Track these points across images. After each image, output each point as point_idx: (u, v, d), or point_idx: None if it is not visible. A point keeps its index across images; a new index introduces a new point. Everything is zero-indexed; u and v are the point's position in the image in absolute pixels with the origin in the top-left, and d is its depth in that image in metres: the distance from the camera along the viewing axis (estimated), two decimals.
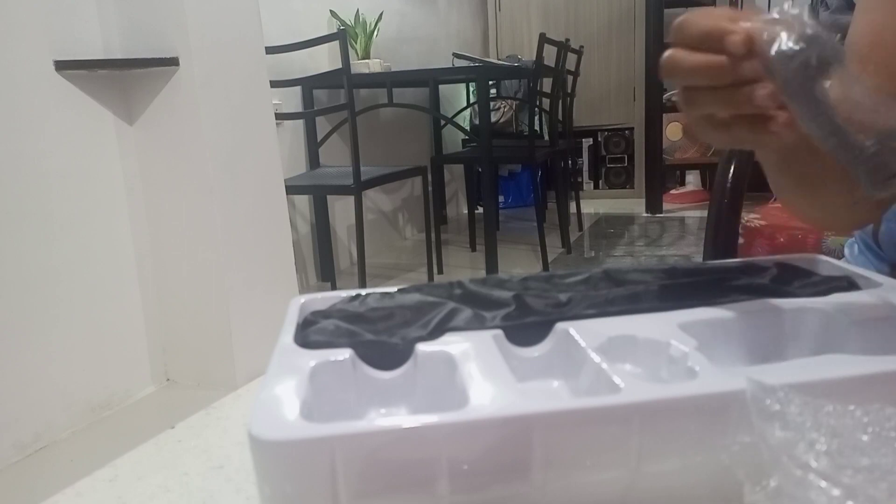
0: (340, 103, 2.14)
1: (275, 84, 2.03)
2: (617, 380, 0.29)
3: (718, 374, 0.30)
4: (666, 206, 3.80)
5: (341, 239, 2.91)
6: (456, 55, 3.12)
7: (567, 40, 2.99)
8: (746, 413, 0.26)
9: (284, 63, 2.35)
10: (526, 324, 0.36)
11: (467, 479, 0.27)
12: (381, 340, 0.35)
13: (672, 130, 3.72)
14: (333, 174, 2.36)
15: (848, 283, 0.40)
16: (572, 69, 3.21)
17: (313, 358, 0.33)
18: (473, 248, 3.14)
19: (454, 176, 3.91)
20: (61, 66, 1.56)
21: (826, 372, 0.29)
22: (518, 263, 2.88)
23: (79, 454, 1.49)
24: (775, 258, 0.44)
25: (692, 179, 4.10)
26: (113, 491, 0.37)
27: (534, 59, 2.69)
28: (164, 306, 1.79)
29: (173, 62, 1.61)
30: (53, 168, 1.56)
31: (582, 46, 3.43)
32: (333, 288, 2.59)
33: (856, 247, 0.64)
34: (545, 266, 2.72)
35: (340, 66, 2.04)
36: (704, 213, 0.79)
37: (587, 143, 4.17)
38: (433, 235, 2.56)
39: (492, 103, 3.56)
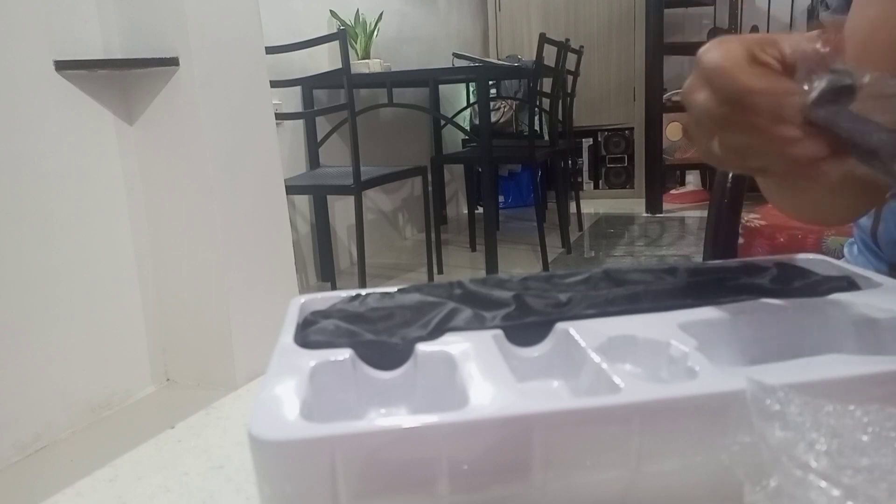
0: (340, 103, 2.14)
1: (275, 84, 2.03)
2: (617, 380, 0.29)
3: (718, 374, 0.30)
4: (666, 206, 3.80)
5: (341, 239, 2.91)
6: (456, 55, 3.12)
7: (567, 40, 2.99)
8: (746, 413, 0.26)
9: (284, 63, 2.35)
10: (526, 324, 0.36)
11: (467, 479, 0.27)
12: (381, 340, 0.35)
13: (672, 130, 3.72)
14: (333, 174, 2.36)
15: (848, 283, 0.40)
16: (572, 69, 3.21)
17: (313, 358, 0.33)
18: (473, 248, 3.14)
19: (454, 176, 3.91)
20: (61, 66, 1.56)
21: (826, 372, 0.29)
22: (518, 263, 2.88)
23: (79, 454, 1.49)
24: (775, 258, 0.44)
25: (692, 179, 4.10)
26: (113, 491, 0.37)
27: (534, 59, 2.69)
28: (164, 306, 1.79)
29: (173, 62, 1.61)
30: (53, 168, 1.56)
31: (582, 46, 3.43)
32: (333, 288, 2.59)
33: (855, 247, 0.64)
34: (545, 266, 2.72)
35: (340, 66, 2.04)
36: (704, 213, 0.79)
37: (587, 143, 4.17)
38: (433, 235, 2.56)
39: (492, 103, 3.56)
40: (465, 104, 3.70)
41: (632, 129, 4.06)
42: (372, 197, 3.13)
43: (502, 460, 0.27)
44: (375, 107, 2.60)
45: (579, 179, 4.17)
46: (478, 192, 3.56)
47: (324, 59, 2.68)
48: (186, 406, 1.65)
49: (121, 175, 1.72)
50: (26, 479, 1.40)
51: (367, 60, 2.71)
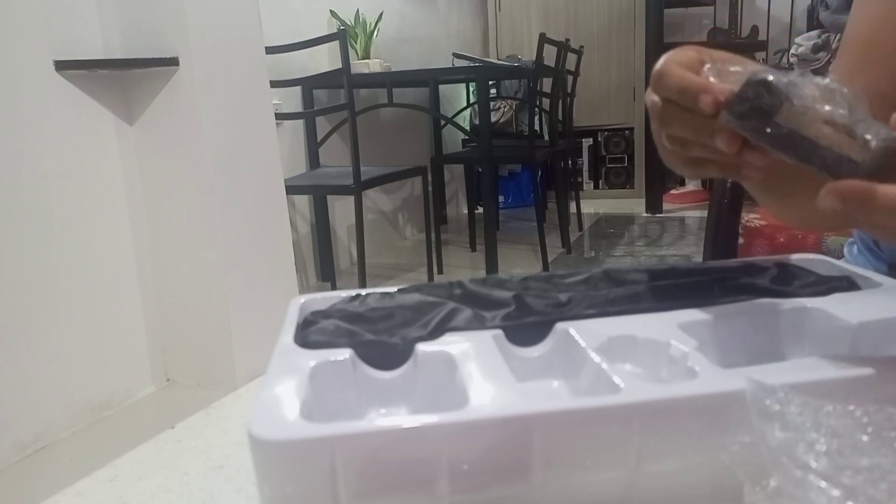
0: (340, 103, 2.14)
1: (275, 84, 2.03)
2: (617, 380, 0.29)
3: (718, 374, 0.30)
4: (666, 206, 3.80)
5: (341, 239, 2.91)
6: (456, 55, 3.12)
7: (567, 40, 2.99)
8: (746, 413, 0.26)
9: (284, 63, 2.35)
10: (526, 324, 0.36)
11: (467, 479, 0.27)
12: (381, 340, 0.35)
13: None
14: (333, 174, 2.36)
15: (848, 283, 0.40)
16: (572, 69, 3.21)
17: (313, 358, 0.33)
18: (473, 248, 3.14)
19: (454, 176, 3.91)
20: (61, 66, 1.56)
21: (826, 372, 0.29)
22: (518, 263, 2.88)
23: (79, 454, 1.49)
24: (775, 258, 0.44)
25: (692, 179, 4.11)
26: (113, 491, 0.37)
27: (534, 59, 2.69)
28: (164, 306, 1.79)
29: (173, 62, 1.61)
30: (53, 168, 1.56)
31: (582, 46, 3.43)
32: (333, 288, 2.59)
33: (855, 247, 0.64)
34: (545, 266, 2.72)
35: (340, 66, 2.04)
36: (704, 213, 0.79)
37: (587, 143, 4.17)
38: (433, 235, 2.56)
39: (492, 103, 3.56)
40: (465, 104, 3.70)
41: (632, 128, 4.06)
42: (372, 197, 3.13)
43: (502, 460, 0.27)
44: (375, 107, 2.60)
45: (579, 179, 4.17)
46: (478, 192, 3.56)
47: (324, 59, 2.68)
48: (186, 406, 1.65)
49: (121, 175, 1.72)
50: (26, 479, 1.40)
51: (367, 60, 2.71)
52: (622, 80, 4.03)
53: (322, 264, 2.72)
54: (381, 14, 2.96)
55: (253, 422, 0.26)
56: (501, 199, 3.96)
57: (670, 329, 0.35)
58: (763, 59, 3.62)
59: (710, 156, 0.34)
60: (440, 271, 2.70)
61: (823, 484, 0.25)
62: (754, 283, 0.39)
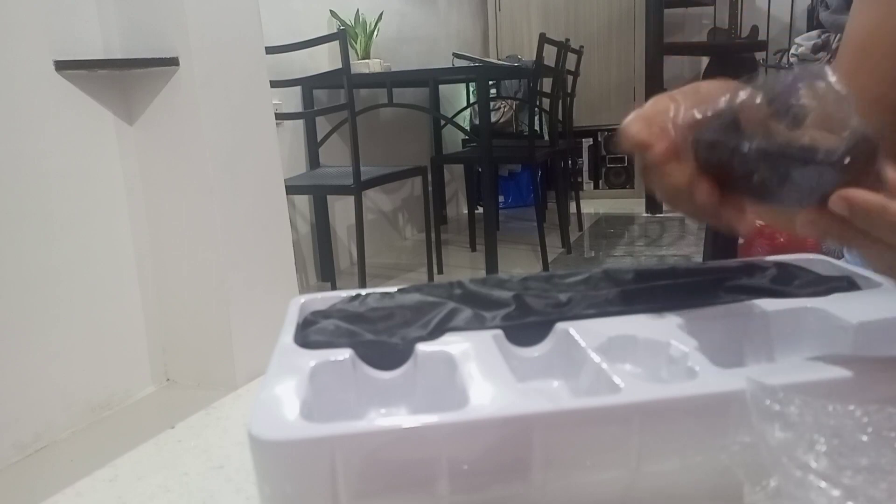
0: (340, 103, 2.14)
1: (275, 84, 2.03)
2: (617, 380, 0.29)
3: (718, 374, 0.30)
4: (666, 206, 3.80)
5: (341, 239, 2.91)
6: (456, 55, 3.12)
7: (567, 40, 2.99)
8: (746, 413, 0.26)
9: (284, 63, 2.35)
10: (526, 324, 0.36)
11: (467, 479, 0.27)
12: (381, 340, 0.35)
13: None
14: (333, 174, 2.36)
15: (848, 283, 0.40)
16: (572, 69, 3.21)
17: (313, 358, 0.33)
18: (473, 248, 3.14)
19: (454, 176, 3.91)
20: (61, 66, 1.56)
21: (826, 372, 0.29)
22: (518, 263, 2.88)
23: (79, 454, 1.49)
24: (775, 258, 0.44)
25: None
26: (113, 491, 0.37)
27: (534, 59, 2.69)
28: (164, 306, 1.79)
29: (173, 62, 1.61)
30: (53, 168, 1.56)
31: (582, 46, 3.43)
32: (333, 288, 2.59)
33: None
34: (545, 266, 2.72)
35: (340, 66, 2.04)
36: None
37: (587, 143, 4.17)
38: (433, 235, 2.56)
39: (492, 103, 3.56)
40: (465, 104, 3.70)
41: None
42: (372, 197, 3.13)
43: (502, 460, 0.27)
44: (375, 107, 2.60)
45: (579, 179, 4.17)
46: (478, 192, 3.56)
47: (324, 59, 2.68)
48: (186, 406, 1.65)
49: (121, 175, 1.72)
50: (26, 479, 1.40)
51: (367, 60, 2.71)
52: (622, 80, 4.03)
53: (322, 264, 2.72)
54: (381, 14, 2.96)
55: (253, 422, 0.26)
56: (501, 199, 3.96)
57: (670, 329, 0.35)
58: (763, 59, 3.62)
59: (691, 210, 0.32)
60: (440, 271, 2.70)
61: (823, 484, 0.25)
62: (754, 284, 0.39)
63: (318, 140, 2.60)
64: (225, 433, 0.42)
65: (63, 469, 1.42)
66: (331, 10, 2.77)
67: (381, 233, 3.24)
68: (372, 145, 3.07)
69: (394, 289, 0.41)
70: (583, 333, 0.35)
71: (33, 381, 1.52)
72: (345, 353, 0.33)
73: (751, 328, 0.37)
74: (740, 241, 1.64)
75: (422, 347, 0.34)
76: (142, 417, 1.65)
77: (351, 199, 2.16)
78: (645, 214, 3.75)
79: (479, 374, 0.30)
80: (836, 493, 0.25)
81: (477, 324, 0.36)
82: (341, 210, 2.87)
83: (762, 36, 3.69)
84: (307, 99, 2.59)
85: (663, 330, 0.34)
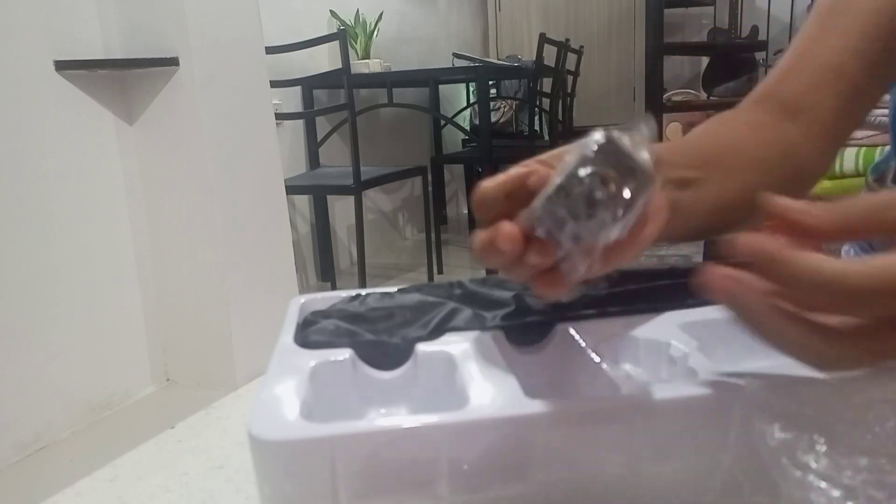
0: (340, 103, 2.14)
1: (275, 84, 2.03)
2: (617, 380, 0.29)
3: (718, 375, 0.30)
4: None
5: (341, 239, 2.91)
6: (456, 55, 3.12)
7: (567, 40, 2.99)
8: (746, 413, 0.26)
9: (284, 63, 2.35)
10: (526, 324, 0.36)
11: (467, 480, 0.27)
12: (381, 340, 0.35)
13: (672, 131, 3.72)
14: (333, 174, 2.36)
15: None
16: (572, 69, 3.21)
17: (313, 358, 0.33)
18: None
19: (454, 176, 3.91)
20: (61, 66, 1.56)
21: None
22: None
23: (79, 454, 1.49)
24: None
25: None
26: (113, 491, 0.37)
27: (534, 59, 2.69)
28: (164, 306, 1.79)
29: (173, 62, 1.61)
30: (53, 168, 1.56)
31: (582, 46, 3.43)
32: (333, 288, 2.59)
33: (852, 251, 0.64)
34: None
35: (340, 66, 2.04)
36: None
37: None
38: (433, 235, 2.56)
39: (492, 103, 3.56)
40: (465, 104, 3.70)
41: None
42: (372, 197, 3.13)
43: (502, 460, 0.27)
44: (375, 107, 2.60)
45: None
46: None
47: (324, 59, 2.68)
48: (186, 406, 1.64)
49: (121, 175, 1.72)
50: (26, 479, 1.40)
51: (367, 60, 2.71)
52: (622, 80, 4.03)
53: (322, 264, 2.72)
54: (381, 14, 2.96)
55: (253, 422, 0.26)
56: None
57: (670, 329, 0.35)
58: (763, 59, 3.62)
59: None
60: (440, 271, 2.70)
61: (823, 484, 0.25)
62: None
63: (318, 140, 2.60)
64: (225, 433, 0.42)
65: (63, 469, 1.42)
66: (331, 10, 2.77)
67: (381, 233, 3.24)
68: (372, 145, 3.07)
69: (394, 289, 0.41)
70: (583, 333, 0.35)
71: (33, 381, 1.52)
72: (345, 353, 0.33)
73: None
74: None
75: (422, 347, 0.34)
76: (142, 417, 1.65)
77: (351, 199, 2.16)
78: None
79: (479, 375, 0.30)
80: (836, 493, 0.25)
81: (477, 324, 0.36)
82: (341, 210, 2.87)
83: (762, 36, 3.69)
84: (307, 99, 2.59)
85: (663, 330, 0.34)
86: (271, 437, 0.25)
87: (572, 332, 0.35)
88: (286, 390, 0.29)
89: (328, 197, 2.66)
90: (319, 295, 0.40)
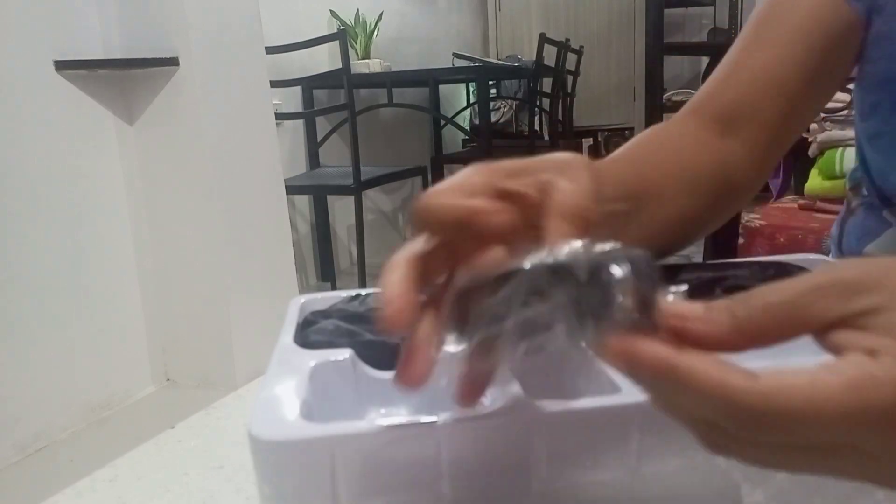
0: (340, 103, 2.14)
1: (275, 84, 2.03)
2: (617, 380, 0.29)
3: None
4: None
5: (341, 239, 2.91)
6: (456, 55, 3.12)
7: (567, 40, 2.99)
8: None
9: (284, 63, 2.34)
10: None
11: (468, 479, 0.27)
12: (381, 340, 0.35)
13: None
14: (333, 174, 2.36)
15: None
16: (572, 69, 3.21)
17: (313, 358, 0.33)
18: None
19: None
20: (61, 66, 1.56)
21: None
22: None
23: (79, 454, 1.49)
24: (775, 258, 0.44)
25: None
26: (113, 491, 0.37)
27: (534, 59, 2.69)
28: (165, 306, 1.79)
29: (173, 62, 1.61)
30: (53, 168, 1.56)
31: (582, 46, 3.43)
32: (333, 288, 2.59)
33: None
34: None
35: (340, 66, 2.04)
36: None
37: (587, 143, 4.17)
38: None
39: (492, 103, 3.56)
40: (465, 104, 3.70)
41: (632, 129, 4.05)
42: (372, 197, 3.13)
43: (503, 460, 0.27)
44: (375, 107, 2.60)
45: None
46: None
47: (324, 59, 2.68)
48: (186, 406, 1.64)
49: (121, 175, 1.72)
50: (26, 479, 1.40)
51: (367, 60, 2.71)
52: (622, 80, 4.03)
53: (322, 264, 2.72)
54: (381, 14, 2.96)
55: (253, 422, 0.26)
56: None
57: None
58: None
59: None
60: None
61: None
62: (753, 284, 0.39)
63: (318, 140, 2.60)
64: (225, 433, 0.42)
65: (63, 469, 1.42)
66: (331, 10, 2.77)
67: (381, 233, 3.24)
68: (372, 145, 3.07)
69: None
70: None
71: (33, 380, 1.52)
72: (345, 353, 0.33)
73: None
74: (740, 240, 1.65)
75: None
76: (142, 417, 1.65)
77: (351, 199, 2.16)
78: None
79: None
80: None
81: None
82: (341, 210, 2.87)
83: None
84: (307, 99, 2.59)
85: None
86: (271, 438, 0.25)
87: None
88: (286, 390, 0.29)
89: (328, 197, 2.66)
90: (319, 295, 0.40)
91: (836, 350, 0.20)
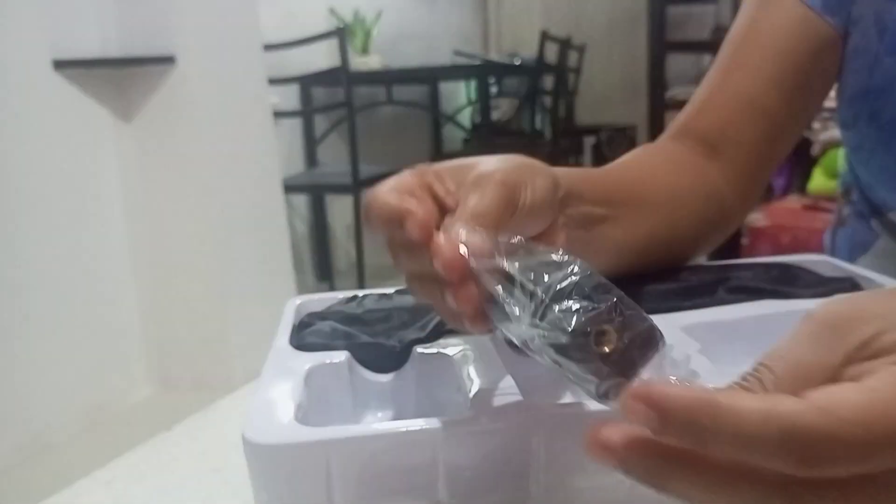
0: (339, 101, 2.14)
1: (273, 82, 2.03)
2: None
3: (720, 377, 0.29)
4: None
5: (339, 239, 2.90)
6: (456, 52, 3.12)
7: (569, 37, 2.99)
8: None
9: (282, 60, 2.34)
10: None
11: (465, 484, 0.26)
12: (378, 343, 0.34)
13: None
14: (331, 173, 2.36)
15: (851, 285, 0.39)
16: (574, 67, 3.21)
17: (309, 360, 0.32)
18: None
19: None
20: (59, 65, 1.56)
21: None
22: None
23: (76, 456, 1.49)
24: (778, 259, 0.44)
25: None
26: (110, 493, 0.36)
27: (535, 56, 2.68)
28: (161, 307, 1.79)
29: (170, 60, 1.61)
30: (51, 167, 1.56)
31: (584, 44, 3.43)
32: (332, 289, 2.59)
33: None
34: None
35: (339, 63, 2.03)
36: None
37: (589, 141, 4.16)
38: None
39: (493, 101, 3.56)
40: (465, 102, 3.69)
41: (634, 127, 4.05)
42: None
43: (501, 465, 0.26)
44: (374, 105, 2.60)
45: None
46: None
47: (322, 57, 2.67)
48: (183, 408, 1.63)
49: (117, 174, 1.72)
50: (23, 481, 1.40)
51: (366, 58, 2.71)
52: (625, 77, 4.02)
53: (320, 264, 2.72)
54: (381, 11, 2.96)
55: (247, 425, 0.26)
56: None
57: (672, 331, 0.34)
58: None
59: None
60: None
61: None
62: (757, 284, 0.39)
63: (317, 138, 2.60)
64: (222, 436, 0.41)
65: (60, 471, 1.42)
66: (329, 7, 2.77)
67: None
68: (371, 143, 3.06)
69: (392, 290, 0.41)
70: None
71: (30, 383, 1.52)
72: (341, 356, 0.33)
73: (754, 330, 0.36)
74: (745, 241, 1.65)
75: (419, 350, 0.34)
76: (139, 419, 1.65)
77: (349, 199, 2.16)
78: None
79: (478, 377, 0.30)
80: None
81: None
82: (339, 209, 2.86)
83: None
84: (305, 97, 2.59)
85: (664, 331, 0.34)
86: (266, 441, 0.25)
87: None
88: (281, 393, 0.29)
89: (326, 196, 2.65)
90: (316, 296, 0.40)
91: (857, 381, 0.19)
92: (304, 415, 0.28)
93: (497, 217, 0.26)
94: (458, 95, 3.79)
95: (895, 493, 0.17)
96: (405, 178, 0.28)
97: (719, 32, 3.94)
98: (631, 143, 4.10)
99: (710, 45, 4.04)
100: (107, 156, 1.69)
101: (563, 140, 3.12)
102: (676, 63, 3.83)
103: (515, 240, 0.24)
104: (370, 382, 0.34)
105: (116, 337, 1.72)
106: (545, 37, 2.63)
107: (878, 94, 0.47)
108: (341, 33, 2.02)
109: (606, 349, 0.20)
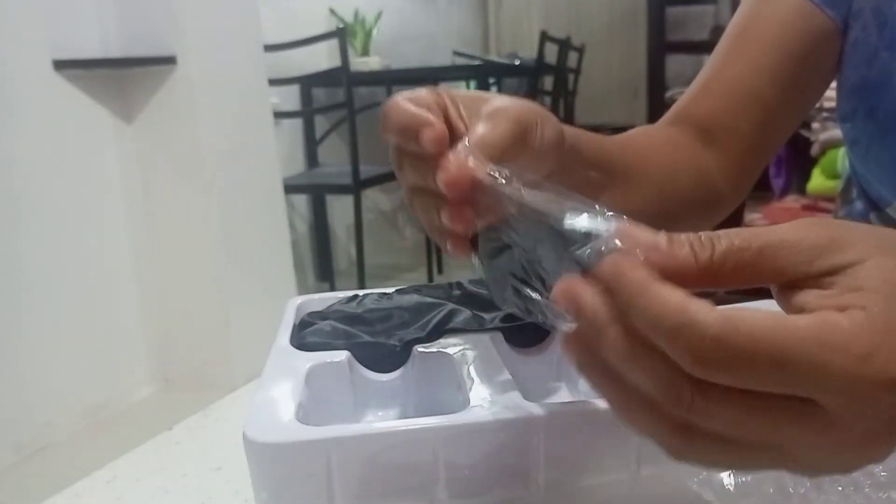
0: (339, 102, 2.14)
1: (273, 82, 2.03)
2: None
3: None
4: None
5: (340, 239, 2.90)
6: (456, 53, 3.12)
7: (568, 38, 2.99)
8: None
9: (283, 61, 2.34)
10: (525, 325, 0.36)
11: (466, 483, 0.26)
12: (379, 342, 0.34)
13: None
14: (332, 173, 2.36)
15: None
16: (574, 67, 3.21)
17: (309, 360, 0.32)
18: None
19: None
20: (60, 65, 1.56)
21: None
22: None
23: (77, 455, 1.49)
24: None
25: None
26: (111, 492, 0.36)
27: (535, 56, 2.68)
28: (162, 307, 1.79)
29: (171, 61, 1.61)
30: (51, 167, 1.56)
31: (583, 44, 3.43)
32: (332, 288, 2.59)
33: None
34: None
35: (339, 64, 2.03)
36: None
37: None
38: None
39: None
40: None
41: (634, 127, 4.05)
42: (371, 196, 3.13)
43: (501, 464, 0.26)
44: (375, 105, 2.60)
45: None
46: None
47: (323, 58, 2.67)
48: (184, 407, 1.63)
49: (118, 174, 1.72)
50: (25, 481, 1.40)
51: (366, 58, 2.71)
52: (624, 78, 4.02)
53: (320, 264, 2.72)
54: (381, 12, 2.96)
55: (248, 424, 0.26)
56: None
57: None
58: None
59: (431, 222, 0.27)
60: (440, 272, 2.70)
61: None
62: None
63: (317, 139, 2.60)
64: (223, 435, 0.42)
65: (61, 470, 1.42)
66: (330, 8, 2.77)
67: (380, 232, 3.24)
68: (371, 144, 3.06)
69: (392, 289, 0.41)
70: None
71: (31, 382, 1.52)
72: (341, 355, 0.33)
73: None
74: None
75: (420, 349, 0.34)
76: (140, 419, 1.65)
77: (350, 199, 2.16)
78: None
79: (478, 377, 0.30)
80: (834, 497, 0.25)
81: (476, 325, 0.35)
82: (340, 209, 2.86)
83: None
84: (306, 97, 2.59)
85: None
86: (266, 440, 0.25)
87: None
88: (282, 393, 0.29)
89: (327, 196, 2.65)
90: (317, 296, 0.40)
91: (798, 310, 0.19)
92: (305, 414, 0.28)
93: (505, 149, 0.26)
94: None
95: (798, 427, 0.18)
96: (423, 94, 0.29)
97: (718, 33, 3.91)
98: None
99: (710, 46, 4.02)
100: (107, 156, 1.69)
101: None
102: (676, 64, 3.84)
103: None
104: (371, 382, 0.34)
105: (117, 337, 1.72)
106: (545, 37, 2.63)
107: (876, 88, 0.47)
108: (341, 34, 2.02)
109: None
